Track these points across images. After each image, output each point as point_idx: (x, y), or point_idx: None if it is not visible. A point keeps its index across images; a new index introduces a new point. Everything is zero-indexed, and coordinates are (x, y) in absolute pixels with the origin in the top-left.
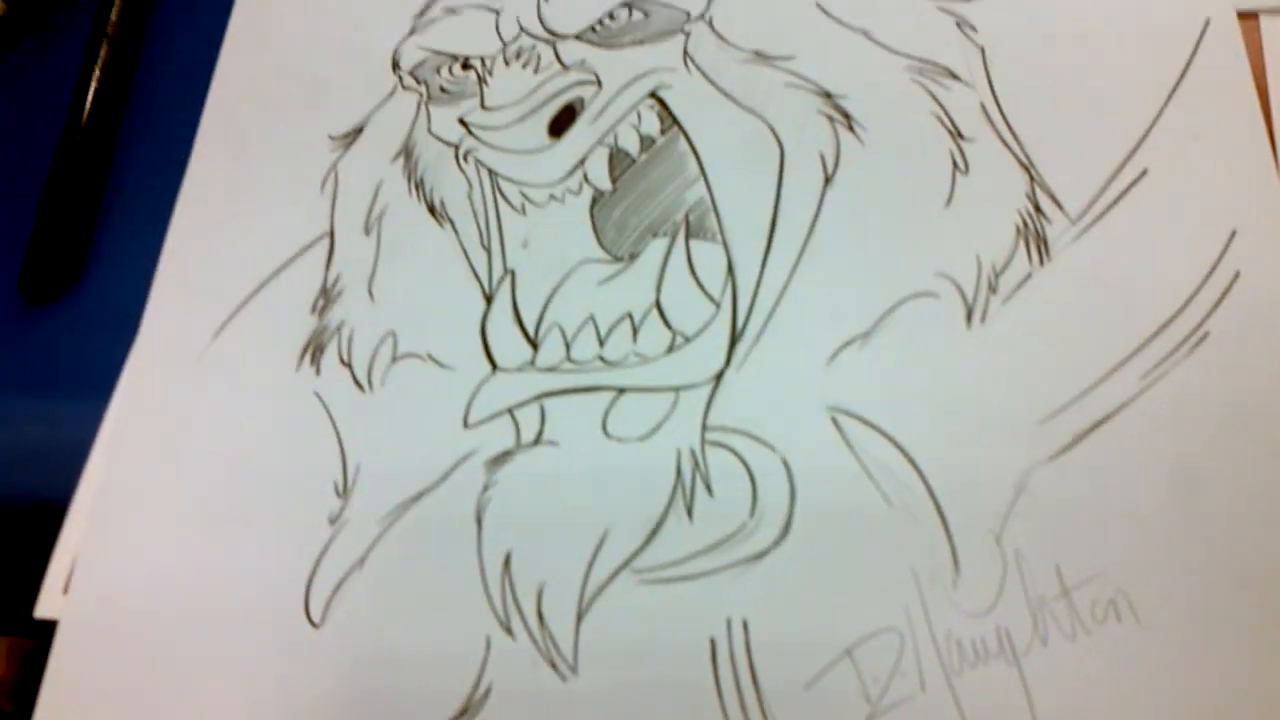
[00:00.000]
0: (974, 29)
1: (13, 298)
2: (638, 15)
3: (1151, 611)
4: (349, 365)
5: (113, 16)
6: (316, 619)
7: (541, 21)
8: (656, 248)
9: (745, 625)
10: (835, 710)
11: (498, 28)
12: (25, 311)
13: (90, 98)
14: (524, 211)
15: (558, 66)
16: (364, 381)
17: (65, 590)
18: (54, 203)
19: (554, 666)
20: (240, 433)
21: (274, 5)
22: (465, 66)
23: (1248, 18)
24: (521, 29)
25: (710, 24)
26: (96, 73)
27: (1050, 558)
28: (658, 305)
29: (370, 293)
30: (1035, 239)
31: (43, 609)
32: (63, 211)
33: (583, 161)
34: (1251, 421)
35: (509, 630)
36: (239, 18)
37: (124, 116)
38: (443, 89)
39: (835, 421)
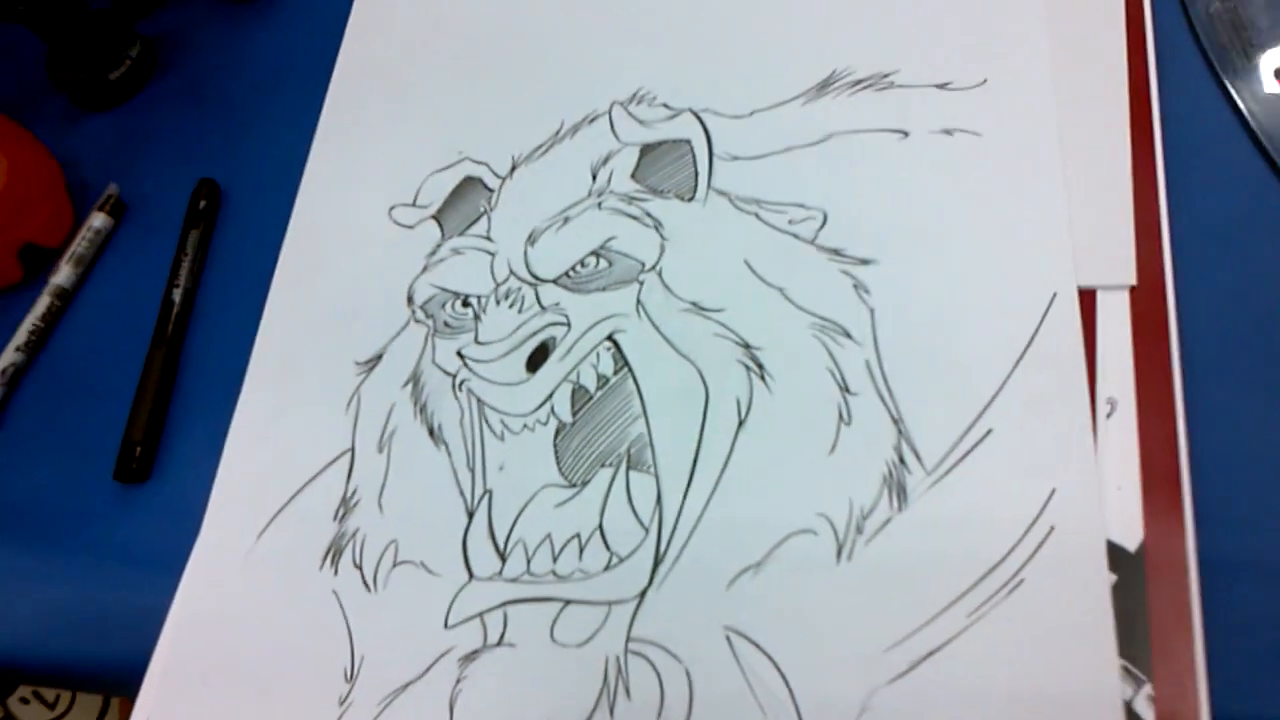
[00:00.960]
0: (868, 291)
1: (108, 481)
2: (603, 263)
3: None
4: (360, 568)
5: (190, 246)
6: None
7: (527, 266)
8: (603, 476)
9: None
10: None
11: (492, 269)
12: (118, 493)
13: (174, 313)
14: (503, 438)
15: (537, 307)
16: (370, 583)
17: None
18: (144, 394)
19: None
20: (275, 622)
21: (321, 244)
22: (465, 304)
23: (1086, 293)
24: (511, 272)
25: (660, 275)
26: (179, 293)
27: None
28: (600, 528)
29: (380, 505)
30: (896, 487)
31: None
32: (149, 403)
33: (551, 396)
34: (1060, 656)
35: None
36: (288, 254)
37: (191, 330)
38: (446, 323)
39: (729, 640)
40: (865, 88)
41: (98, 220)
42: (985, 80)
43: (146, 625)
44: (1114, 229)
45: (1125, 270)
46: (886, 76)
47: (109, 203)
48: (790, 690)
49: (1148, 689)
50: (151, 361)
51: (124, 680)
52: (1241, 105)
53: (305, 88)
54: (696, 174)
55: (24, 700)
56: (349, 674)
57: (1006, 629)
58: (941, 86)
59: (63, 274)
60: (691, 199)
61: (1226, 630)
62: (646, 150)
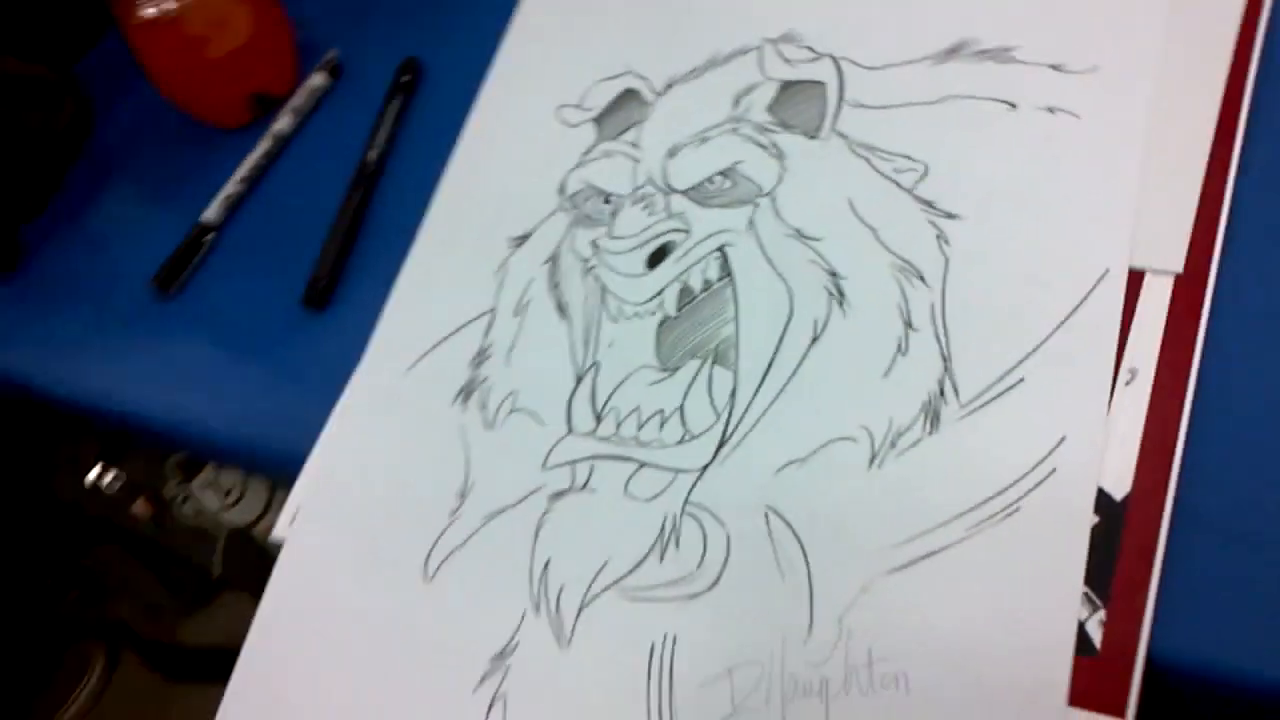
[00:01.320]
0: (948, 243)
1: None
2: (728, 183)
3: (922, 688)
4: (484, 409)
5: (390, 115)
6: (429, 577)
7: (664, 175)
8: (691, 366)
9: (674, 640)
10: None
11: (634, 173)
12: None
13: (369, 170)
14: (616, 320)
15: (665, 213)
16: (489, 422)
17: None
18: (335, 237)
19: (558, 639)
20: (410, 441)
21: (496, 130)
22: (605, 201)
23: (1136, 273)
24: (649, 178)
25: (774, 200)
26: (375, 154)
27: (867, 640)
28: (681, 409)
29: (508, 359)
30: (931, 414)
31: (278, 533)
32: (338, 245)
33: (662, 291)
34: (1035, 575)
35: (536, 609)
36: (469, 134)
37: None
38: (587, 215)
39: (767, 517)
40: (987, 58)
41: (318, 79)
42: (1096, 67)
43: (308, 430)
44: (1175, 220)
45: (1175, 259)
46: (1008, 50)
47: (329, 65)
48: (808, 565)
49: (1101, 614)
50: (344, 209)
51: (287, 475)
52: None
53: None
54: (824, 114)
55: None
56: (461, 493)
57: (996, 546)
58: (1055, 67)
59: (283, 122)
60: (814, 137)
61: (1183, 578)
62: (786, 87)
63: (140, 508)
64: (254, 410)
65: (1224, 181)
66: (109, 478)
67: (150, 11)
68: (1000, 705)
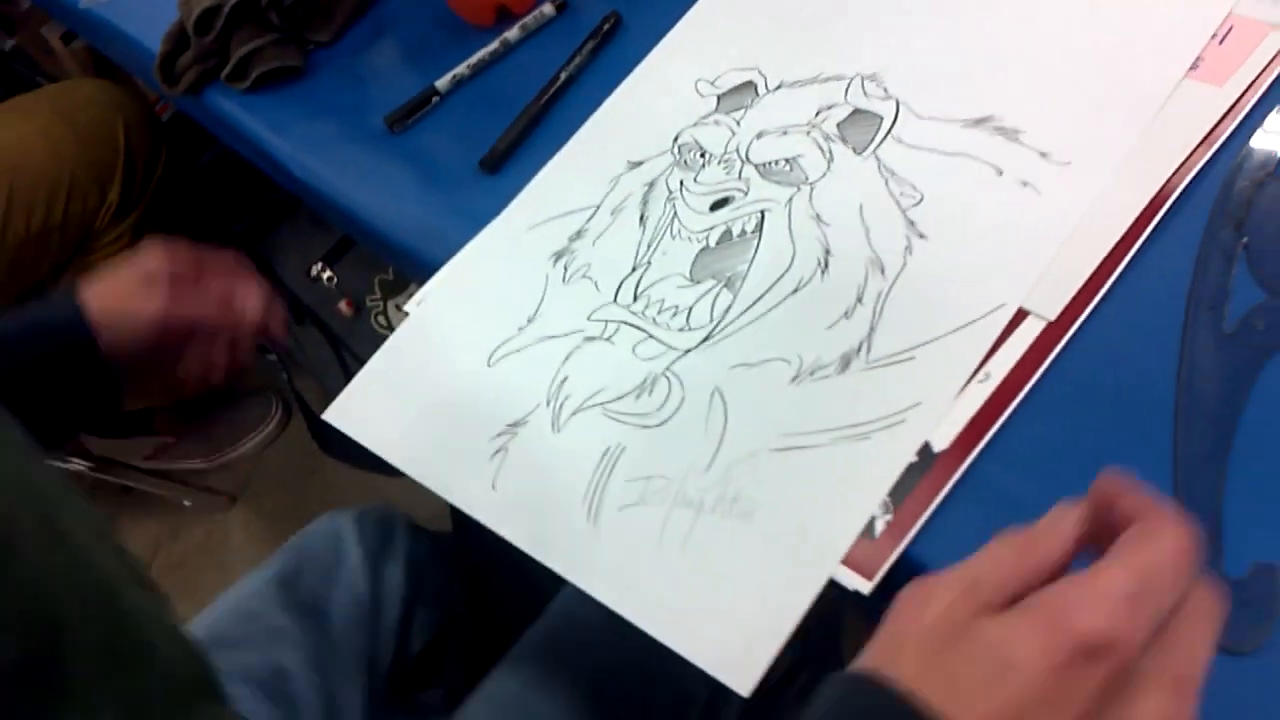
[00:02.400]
0: (911, 253)
1: (474, 167)
2: (788, 168)
3: (760, 525)
4: (565, 270)
5: (584, 51)
6: (491, 364)
7: (747, 150)
8: (709, 284)
9: (623, 448)
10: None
11: (728, 143)
12: (479, 177)
13: (555, 86)
14: (674, 238)
15: (736, 176)
16: (565, 279)
17: (419, 303)
18: (516, 125)
19: (553, 426)
20: (513, 276)
21: (651, 84)
22: (701, 155)
23: (1021, 311)
24: (736, 149)
25: (811, 189)
26: (564, 75)
27: (737, 485)
28: (691, 308)
29: (593, 242)
30: (845, 362)
31: (408, 308)
32: (516, 131)
33: (712, 228)
34: (852, 485)
35: (547, 404)
36: (631, 80)
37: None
38: (685, 162)
39: (713, 393)
40: (999, 134)
41: (547, 8)
42: (1070, 163)
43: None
44: (1066, 283)
45: (1053, 310)
46: (1018, 133)
47: (558, 2)
48: (725, 430)
49: (889, 516)
50: (529, 107)
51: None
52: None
53: None
54: (873, 140)
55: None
56: (530, 319)
57: (842, 455)
58: (1043, 155)
59: (513, 32)
60: (859, 153)
61: (952, 514)
62: (856, 112)
63: (344, 307)
64: (430, 230)
65: (1114, 268)
66: (327, 274)
67: None
68: (800, 548)
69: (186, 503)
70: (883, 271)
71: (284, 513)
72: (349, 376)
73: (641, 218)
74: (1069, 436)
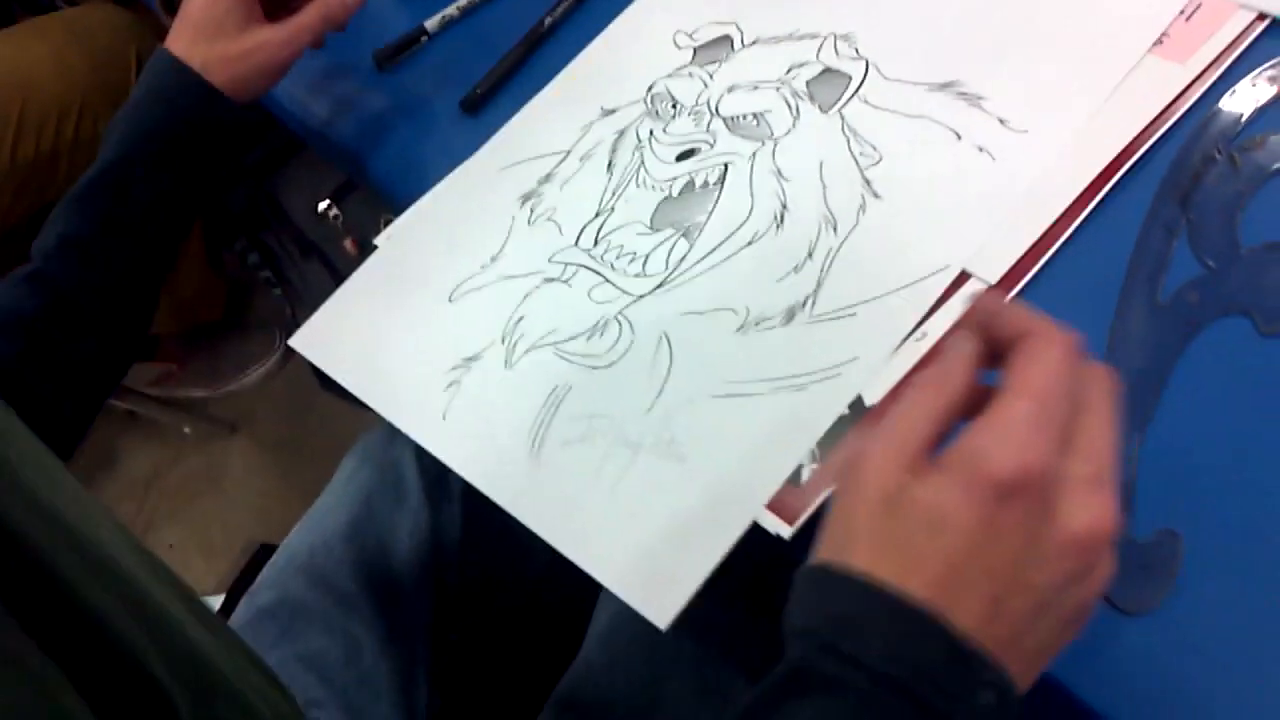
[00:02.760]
0: (864, 212)
1: (456, 108)
2: (754, 123)
3: (693, 464)
4: (531, 212)
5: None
6: (451, 300)
7: (717, 103)
8: (668, 232)
9: (570, 387)
10: None
11: (699, 94)
12: (460, 118)
13: (540, 32)
14: (639, 186)
15: (705, 129)
16: (529, 222)
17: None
18: (497, 69)
19: (505, 362)
20: (480, 214)
21: (630, 34)
22: (673, 105)
23: (964, 274)
24: (706, 101)
25: (775, 144)
26: (548, 22)
27: (676, 424)
28: (648, 255)
29: (560, 186)
30: (789, 314)
31: (376, 241)
32: (497, 75)
33: (676, 178)
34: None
35: (502, 341)
36: (611, 29)
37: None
38: (656, 112)
39: (660, 338)
40: (962, 99)
41: None
42: (1027, 131)
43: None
44: (1011, 248)
45: (995, 274)
46: (980, 99)
47: None
48: (668, 375)
49: (816, 465)
50: (511, 51)
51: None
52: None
53: None
54: (839, 99)
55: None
56: (493, 258)
57: (778, 405)
58: (1002, 121)
59: None
60: (825, 112)
61: None
62: (826, 70)
63: (349, 245)
64: (410, 166)
65: (1058, 236)
66: (334, 212)
67: None
68: (727, 491)
69: (186, 430)
70: (835, 229)
71: (283, 444)
72: None
73: (609, 164)
74: None
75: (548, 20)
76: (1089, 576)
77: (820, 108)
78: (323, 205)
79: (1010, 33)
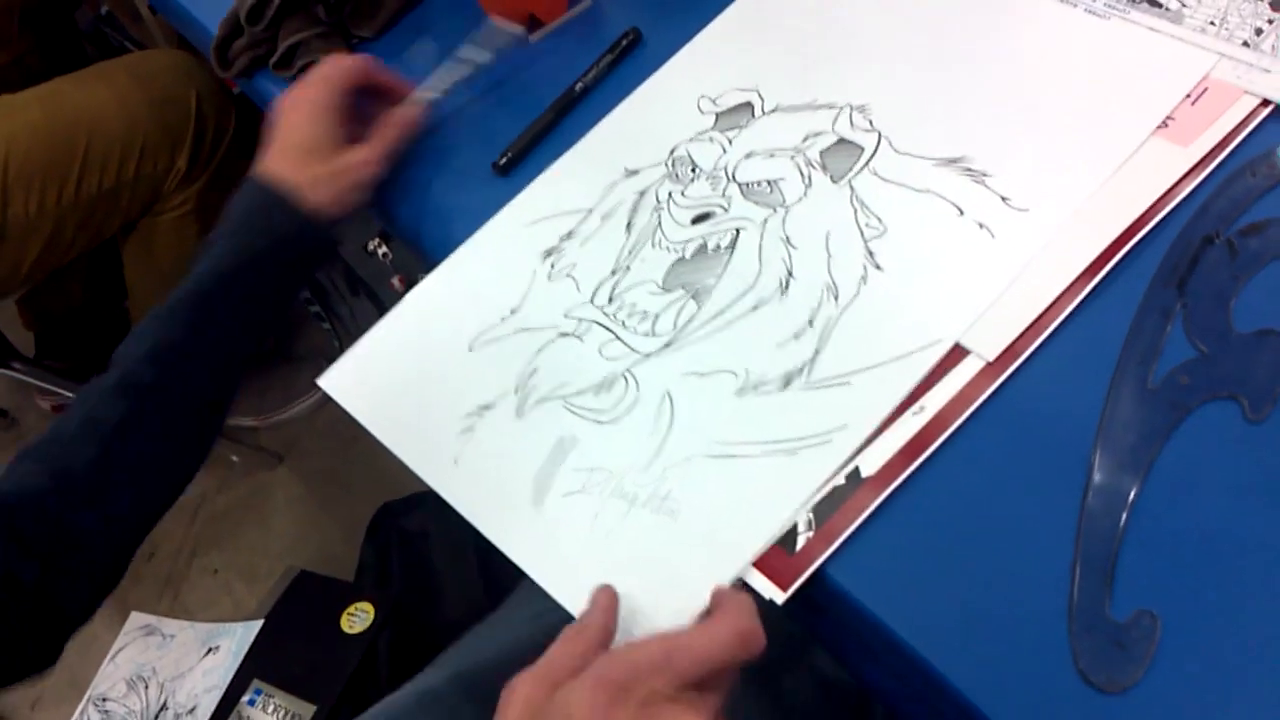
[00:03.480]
0: (865, 282)
1: (488, 170)
2: (768, 190)
3: (684, 521)
4: (552, 267)
5: (601, 64)
6: (471, 350)
7: (734, 168)
8: (678, 293)
9: (576, 439)
10: None
11: (718, 159)
12: (490, 179)
13: (572, 97)
14: (655, 247)
15: (720, 194)
16: (550, 277)
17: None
18: (528, 133)
19: (517, 412)
20: (505, 267)
21: (654, 97)
22: (692, 170)
23: (961, 348)
24: (724, 167)
25: (786, 211)
26: (580, 86)
27: (670, 484)
28: (658, 315)
29: (580, 244)
30: (786, 380)
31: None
32: (528, 139)
33: (690, 241)
34: (776, 498)
35: (515, 391)
36: (640, 91)
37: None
38: (675, 175)
39: (664, 396)
40: (967, 175)
41: (571, 18)
42: (1028, 210)
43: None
44: (1008, 327)
45: (992, 352)
46: (984, 175)
47: (581, 11)
48: (669, 432)
49: (811, 533)
50: (543, 115)
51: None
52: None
53: None
54: (851, 170)
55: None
56: (513, 310)
57: (771, 467)
58: (1004, 199)
59: (538, 34)
60: (836, 181)
61: (871, 542)
62: (840, 141)
63: (397, 283)
64: (441, 224)
65: (1056, 316)
66: (383, 250)
67: None
68: (714, 548)
69: (235, 458)
70: (836, 298)
71: (327, 475)
72: None
73: (629, 224)
74: (991, 473)
75: (579, 85)
76: None
77: (832, 178)
78: (372, 244)
79: (1019, 111)
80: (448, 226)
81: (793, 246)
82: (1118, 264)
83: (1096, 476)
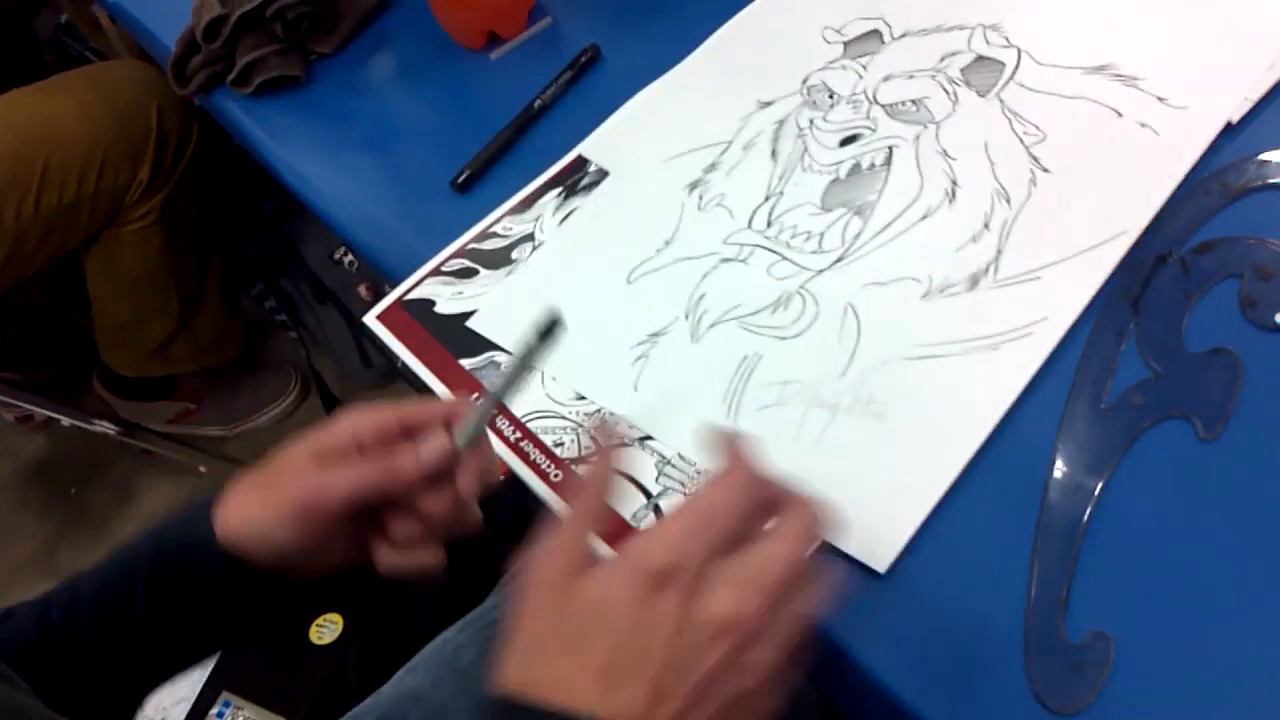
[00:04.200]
0: (1035, 185)
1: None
2: (914, 109)
3: (892, 425)
4: (700, 199)
5: (559, 82)
6: (630, 281)
7: (875, 92)
8: (839, 212)
9: (760, 357)
10: None
11: (855, 85)
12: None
13: (533, 112)
14: (806, 171)
15: (865, 115)
16: (700, 207)
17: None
18: (487, 149)
19: (692, 336)
20: (653, 202)
21: (776, 29)
22: (830, 95)
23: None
24: (864, 90)
25: (938, 128)
26: (538, 104)
27: (871, 389)
28: (822, 234)
29: (726, 174)
30: (973, 281)
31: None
32: (487, 155)
33: (841, 162)
34: (980, 394)
35: (686, 316)
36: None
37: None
38: (814, 102)
39: (846, 309)
40: (1118, 80)
41: (530, 35)
42: (1186, 107)
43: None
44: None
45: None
46: (1136, 79)
47: (542, 29)
48: (858, 341)
49: None
50: (502, 132)
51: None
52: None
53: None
54: (996, 84)
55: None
56: (666, 241)
57: (971, 364)
58: (1161, 99)
59: (498, 51)
60: (983, 96)
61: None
62: (979, 59)
63: (364, 291)
64: (399, 242)
65: None
66: (348, 259)
67: None
68: (934, 443)
69: (202, 469)
70: (1008, 201)
71: None
72: (366, 357)
73: (773, 152)
74: (947, 496)
75: (538, 103)
76: (744, 668)
77: (978, 92)
78: (338, 253)
79: (1158, 14)
80: (407, 245)
81: (951, 158)
82: None
83: (1052, 497)
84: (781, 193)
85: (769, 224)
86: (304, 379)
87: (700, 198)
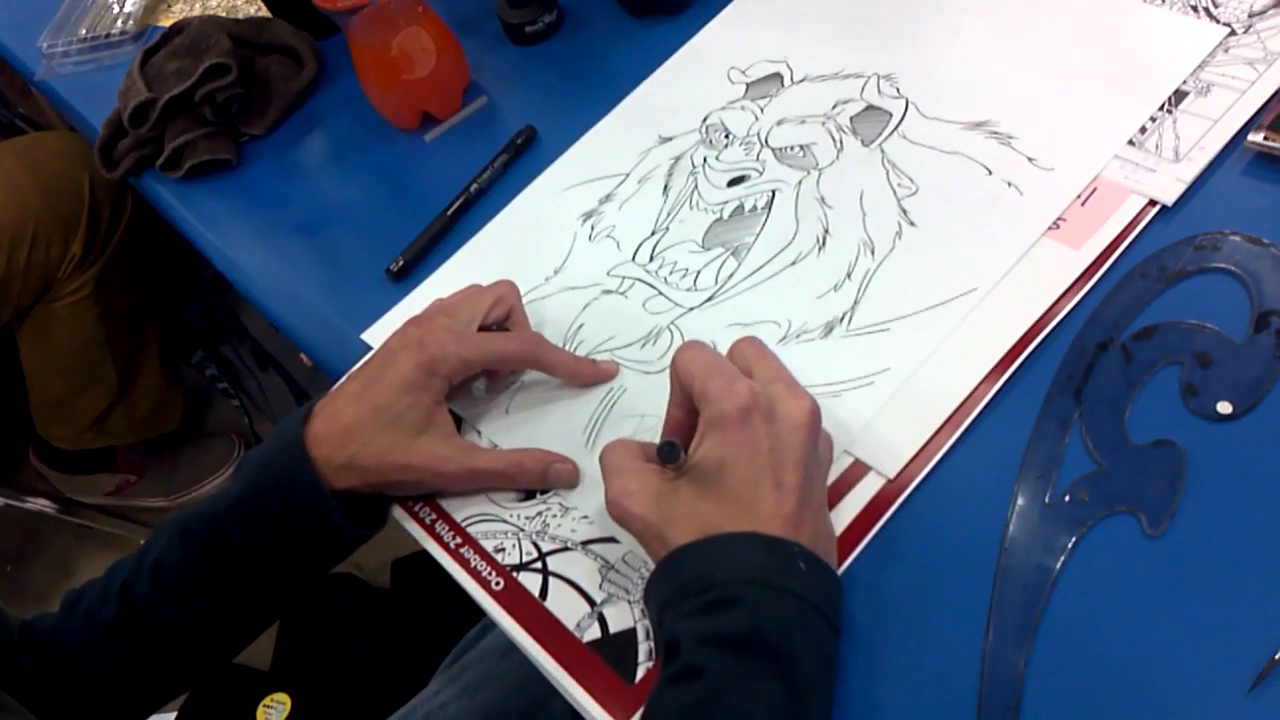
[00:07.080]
0: (900, 238)
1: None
2: (801, 154)
3: None
4: (592, 229)
5: (497, 164)
6: None
7: (767, 134)
8: (717, 251)
9: (624, 390)
10: None
11: (750, 126)
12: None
13: (468, 197)
14: (693, 209)
15: (754, 158)
16: (590, 238)
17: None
18: (424, 236)
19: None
20: (545, 230)
21: (684, 69)
22: (726, 136)
23: (862, 465)
24: (757, 132)
25: (819, 174)
26: (475, 188)
27: None
28: (699, 272)
29: (619, 206)
30: (828, 328)
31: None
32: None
33: (726, 202)
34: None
35: (564, 345)
36: (678, 56)
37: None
38: (710, 141)
39: (714, 345)
40: (994, 138)
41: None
42: (1053, 169)
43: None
44: (910, 440)
45: (892, 467)
46: (1010, 138)
47: (477, 109)
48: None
49: (650, 663)
50: (439, 218)
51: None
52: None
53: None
54: (881, 134)
55: None
56: (556, 270)
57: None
58: (1030, 160)
59: (433, 133)
60: (866, 145)
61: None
62: (869, 108)
63: (304, 358)
64: (333, 331)
65: (954, 431)
66: None
67: (368, 39)
68: None
69: (142, 542)
70: (872, 253)
71: None
72: None
73: (665, 188)
74: (896, 595)
75: (474, 186)
76: (819, 445)
77: (862, 141)
78: None
79: (1040, 77)
80: (340, 334)
81: (828, 206)
82: (1017, 372)
83: (999, 595)
84: (668, 228)
85: (651, 258)
86: (247, 445)
87: (592, 228)
